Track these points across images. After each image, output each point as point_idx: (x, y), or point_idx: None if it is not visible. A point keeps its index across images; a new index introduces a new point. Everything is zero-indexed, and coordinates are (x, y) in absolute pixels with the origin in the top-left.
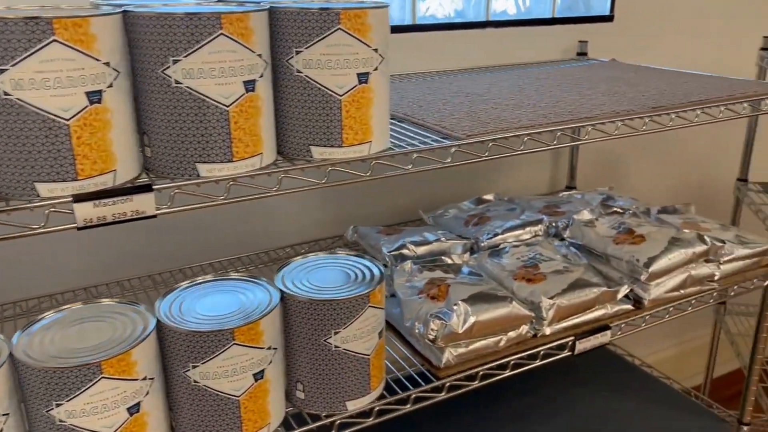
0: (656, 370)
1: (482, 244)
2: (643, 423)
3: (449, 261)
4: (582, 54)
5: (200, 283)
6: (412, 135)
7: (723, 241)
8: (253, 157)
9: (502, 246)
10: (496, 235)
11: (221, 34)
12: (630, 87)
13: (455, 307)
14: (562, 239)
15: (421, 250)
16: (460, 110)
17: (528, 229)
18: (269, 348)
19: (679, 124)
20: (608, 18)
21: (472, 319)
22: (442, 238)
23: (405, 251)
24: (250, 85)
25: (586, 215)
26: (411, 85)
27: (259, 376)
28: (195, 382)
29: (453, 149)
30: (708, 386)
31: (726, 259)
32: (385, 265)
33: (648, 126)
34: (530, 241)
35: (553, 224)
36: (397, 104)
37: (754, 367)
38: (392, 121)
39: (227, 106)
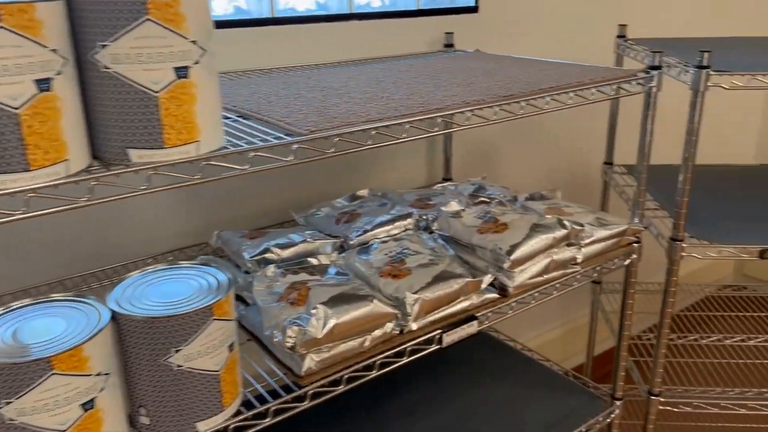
0: (537, 353)
1: (351, 242)
2: (523, 407)
3: (315, 262)
4: (449, 46)
5: (16, 309)
6: (254, 132)
7: (582, 225)
8: (55, 165)
9: (370, 243)
10: (365, 232)
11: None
12: (487, 77)
13: (314, 311)
14: (432, 232)
15: (287, 252)
16: (310, 105)
17: (397, 223)
18: (98, 374)
19: (530, 112)
20: (473, 9)
21: (332, 322)
22: (309, 239)
23: (269, 255)
24: (44, 84)
25: (453, 206)
26: (267, 80)
27: (88, 405)
28: (11, 420)
29: (295, 146)
30: (590, 364)
31: (587, 242)
32: (248, 272)
33: (499, 115)
34: (399, 236)
35: (423, 217)
36: (247, 100)
37: (622, 343)
38: (237, 118)
39: (16, 109)
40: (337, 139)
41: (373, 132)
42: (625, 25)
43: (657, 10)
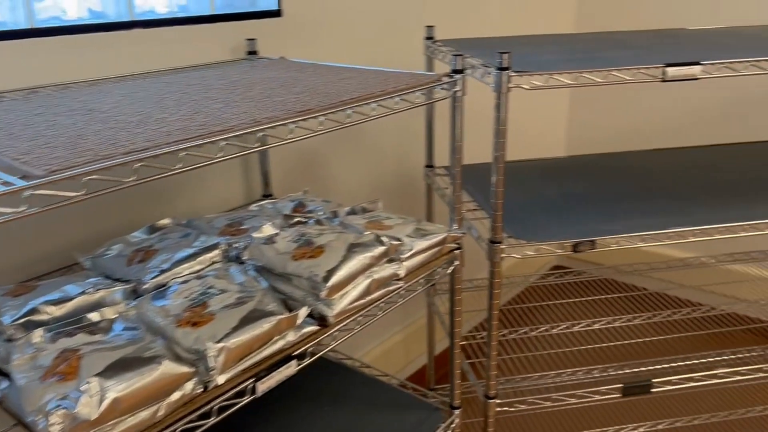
0: (375, 368)
1: (145, 287)
2: (362, 430)
3: (97, 318)
4: (252, 53)
5: None
6: None
7: (400, 239)
8: None
9: (169, 284)
10: (162, 272)
11: None
12: (286, 89)
13: (85, 387)
14: (243, 262)
15: (62, 310)
16: (64, 134)
17: (201, 258)
18: None
19: (330, 127)
20: (276, 13)
21: (110, 397)
22: (90, 289)
23: (38, 316)
24: None
25: (267, 231)
26: (22, 104)
27: None
28: None
29: (27, 193)
30: (433, 365)
31: (407, 255)
32: (11, 340)
33: (295, 133)
34: (203, 273)
35: (234, 246)
36: None
37: (454, 351)
38: None
39: None
40: (87, 178)
41: (137, 165)
42: (432, 26)
43: (467, 9)
